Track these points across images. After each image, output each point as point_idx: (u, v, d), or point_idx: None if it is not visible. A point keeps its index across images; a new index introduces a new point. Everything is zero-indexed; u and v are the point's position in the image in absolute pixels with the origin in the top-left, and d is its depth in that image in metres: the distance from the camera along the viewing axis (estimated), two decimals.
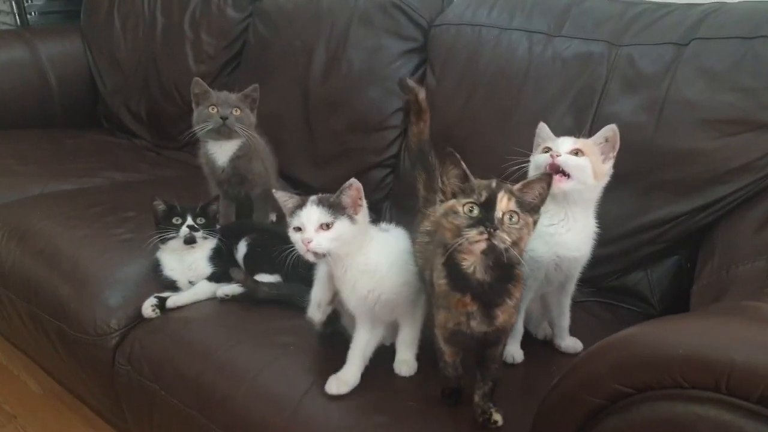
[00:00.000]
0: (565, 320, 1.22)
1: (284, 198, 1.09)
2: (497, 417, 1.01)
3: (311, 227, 1.03)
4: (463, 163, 0.94)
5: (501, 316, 0.95)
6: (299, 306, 1.33)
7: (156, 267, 1.46)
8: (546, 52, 1.58)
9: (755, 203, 1.28)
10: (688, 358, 0.68)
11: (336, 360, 1.14)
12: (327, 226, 1.03)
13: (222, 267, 1.45)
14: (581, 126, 1.49)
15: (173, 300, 1.39)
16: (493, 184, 0.92)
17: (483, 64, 1.66)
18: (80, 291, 1.45)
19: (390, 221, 1.78)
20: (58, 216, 1.68)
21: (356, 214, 1.06)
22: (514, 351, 1.19)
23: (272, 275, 1.42)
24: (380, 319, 1.13)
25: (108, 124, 2.52)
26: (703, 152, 1.33)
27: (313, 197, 1.06)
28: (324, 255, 1.04)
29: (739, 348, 0.67)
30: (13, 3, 2.58)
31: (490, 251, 0.88)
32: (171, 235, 1.43)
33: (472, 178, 0.93)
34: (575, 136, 1.16)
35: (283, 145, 1.99)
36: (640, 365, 0.71)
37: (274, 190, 1.10)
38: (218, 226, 1.51)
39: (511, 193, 0.90)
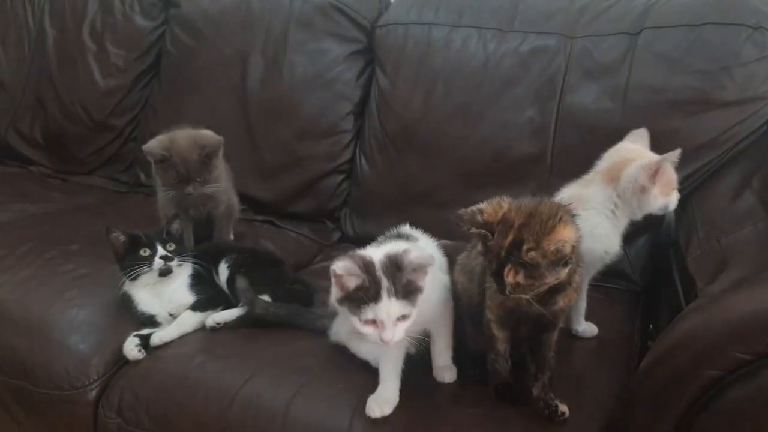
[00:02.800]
0: (583, 306, 1.24)
1: (345, 271, 0.92)
2: (563, 408, 1.00)
3: (389, 322, 0.92)
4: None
5: (561, 301, 0.96)
6: (303, 327, 1.26)
7: (128, 303, 1.29)
8: (501, 47, 1.61)
9: (722, 176, 1.40)
10: None
11: (366, 376, 1.07)
12: (404, 317, 0.93)
13: (204, 294, 1.31)
14: (546, 116, 1.55)
15: (158, 336, 1.23)
16: (503, 252, 0.89)
17: (438, 62, 1.66)
18: (41, 341, 1.24)
19: (351, 229, 1.77)
20: None
21: (423, 281, 0.95)
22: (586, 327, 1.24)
23: (261, 296, 1.31)
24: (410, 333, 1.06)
25: None
26: (670, 132, 1.42)
27: (384, 281, 0.91)
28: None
29: None
30: None
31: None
32: (144, 270, 1.27)
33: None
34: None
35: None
36: (762, 329, 0.72)
37: (333, 267, 0.93)
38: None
39: (519, 265, 0.88)
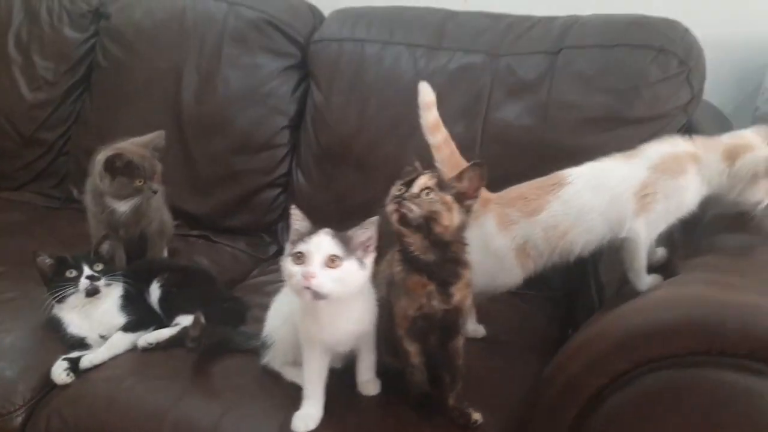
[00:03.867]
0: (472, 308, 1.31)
1: (297, 218, 0.99)
2: (477, 416, 1.06)
3: (318, 258, 0.94)
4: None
5: (457, 294, 1.02)
6: (235, 350, 1.26)
7: (57, 326, 1.28)
8: (430, 65, 1.67)
9: None
10: (683, 327, 0.79)
11: (294, 395, 1.09)
12: (333, 262, 0.95)
13: (136, 314, 1.32)
14: (472, 131, 1.61)
15: (88, 359, 1.23)
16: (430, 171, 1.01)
17: (370, 77, 1.70)
18: None
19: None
20: None
21: (365, 258, 0.99)
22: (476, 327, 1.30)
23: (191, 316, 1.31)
24: (338, 350, 1.10)
25: None
26: (587, 147, 1.47)
27: (326, 229, 0.98)
28: (322, 298, 0.95)
29: (722, 311, 0.79)
30: None
31: (403, 220, 0.97)
32: (70, 291, 1.27)
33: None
34: None
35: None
36: (641, 341, 0.80)
37: (292, 207, 1.01)
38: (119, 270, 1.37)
39: (435, 176, 0.99)
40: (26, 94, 1.98)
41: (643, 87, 1.48)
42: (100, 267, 1.30)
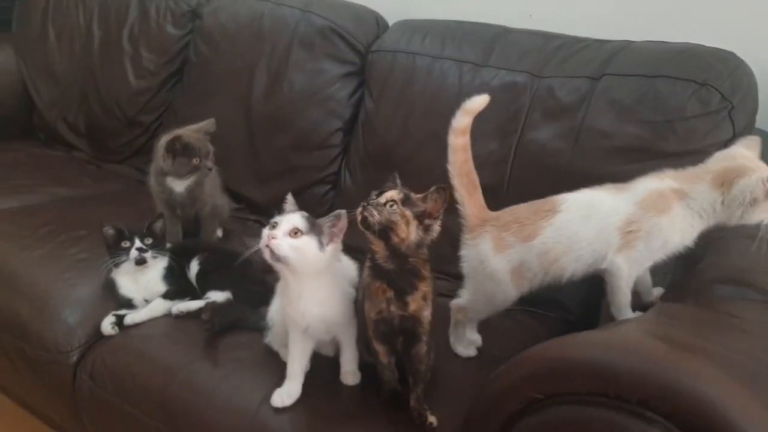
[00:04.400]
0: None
1: (290, 203, 1.19)
2: (432, 419, 1.14)
3: (284, 227, 1.10)
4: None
5: (412, 304, 1.11)
6: (247, 328, 1.42)
7: (112, 287, 1.52)
8: (475, 81, 1.72)
9: None
10: (583, 368, 0.84)
11: (284, 372, 1.23)
12: (296, 234, 1.10)
13: (175, 285, 1.52)
14: (506, 149, 1.66)
15: (131, 318, 1.45)
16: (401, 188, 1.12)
17: (418, 90, 1.79)
18: (40, 311, 1.50)
19: None
20: (9, 237, 1.72)
21: (328, 244, 1.14)
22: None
23: (223, 292, 1.49)
24: (317, 337, 1.23)
25: (44, 137, 2.50)
26: (614, 176, 1.46)
27: (302, 212, 1.16)
28: (279, 260, 1.10)
29: (623, 358, 0.82)
30: None
31: (365, 223, 1.06)
32: (123, 259, 1.49)
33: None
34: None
35: (226, 161, 2.05)
36: (548, 375, 0.86)
37: (288, 194, 1.21)
38: (168, 245, 1.57)
39: (403, 192, 1.09)
40: (132, 81, 2.27)
41: (679, 121, 1.45)
42: (150, 241, 1.52)
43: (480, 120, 1.68)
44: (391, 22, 2.00)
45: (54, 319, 1.49)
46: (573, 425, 0.83)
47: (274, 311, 1.33)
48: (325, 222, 1.15)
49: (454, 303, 1.34)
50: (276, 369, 1.28)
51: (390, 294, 1.10)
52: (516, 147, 1.64)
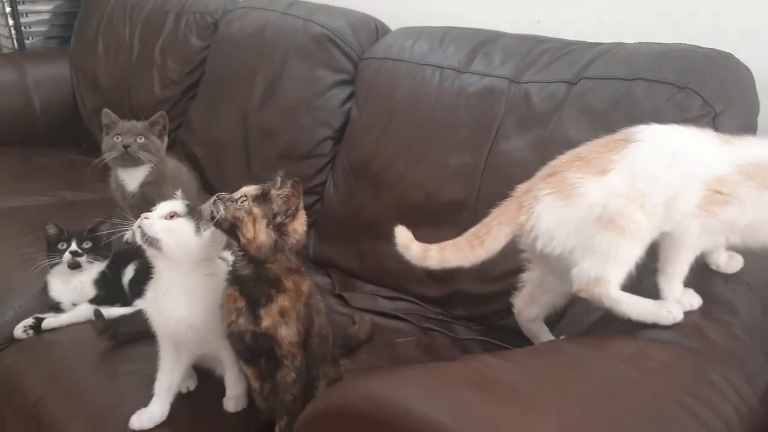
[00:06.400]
0: None
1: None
2: None
3: (161, 210, 1.07)
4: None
5: (265, 319, 0.98)
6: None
7: (45, 287, 1.50)
8: (452, 88, 1.59)
9: None
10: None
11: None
12: (172, 217, 1.06)
13: (106, 291, 1.48)
14: (477, 161, 1.51)
15: (48, 322, 1.42)
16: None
17: (398, 98, 1.69)
18: None
19: (311, 249, 1.86)
20: None
21: (205, 229, 1.07)
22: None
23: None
24: (188, 349, 1.13)
25: (87, 145, 2.66)
26: None
27: (188, 201, 1.12)
28: (150, 243, 1.04)
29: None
30: (12, 28, 2.77)
31: (212, 218, 0.99)
32: (56, 261, 1.46)
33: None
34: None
35: (225, 170, 2.08)
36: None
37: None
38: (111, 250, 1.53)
39: (262, 189, 1.01)
40: (157, 90, 2.36)
41: None
42: (89, 245, 1.47)
43: (454, 128, 1.58)
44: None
45: None
46: None
47: None
48: (203, 207, 1.06)
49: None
50: None
51: (241, 304, 1.00)
52: (487, 158, 1.50)
